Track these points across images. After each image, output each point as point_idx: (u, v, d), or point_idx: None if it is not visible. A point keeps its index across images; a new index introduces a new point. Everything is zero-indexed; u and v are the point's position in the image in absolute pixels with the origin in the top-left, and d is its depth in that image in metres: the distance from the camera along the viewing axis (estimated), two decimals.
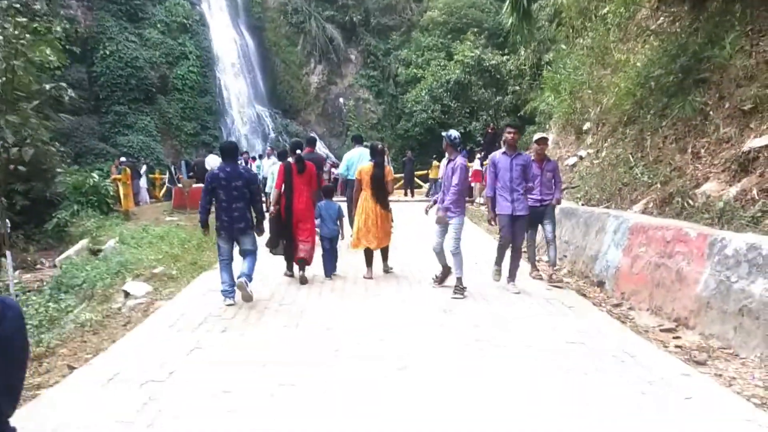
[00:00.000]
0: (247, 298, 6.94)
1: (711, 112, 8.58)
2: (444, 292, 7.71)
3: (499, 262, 8.08)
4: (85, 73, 32.66)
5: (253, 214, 7.12)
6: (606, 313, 6.33)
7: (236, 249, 7.15)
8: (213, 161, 20.18)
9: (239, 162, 8.18)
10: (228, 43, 39.31)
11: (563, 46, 21.80)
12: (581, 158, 14.14)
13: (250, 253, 7.10)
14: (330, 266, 8.66)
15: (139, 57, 33.79)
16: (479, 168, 19.57)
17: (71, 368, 5.01)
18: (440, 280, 8.20)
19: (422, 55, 40.24)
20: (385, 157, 9.18)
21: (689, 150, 8.56)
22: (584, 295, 7.14)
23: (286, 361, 5.03)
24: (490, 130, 28.37)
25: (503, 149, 8.05)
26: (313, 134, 39.67)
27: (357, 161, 10.81)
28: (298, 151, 8.81)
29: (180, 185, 16.71)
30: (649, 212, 8.28)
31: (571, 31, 22.10)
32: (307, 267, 8.43)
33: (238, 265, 7.10)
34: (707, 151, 8.24)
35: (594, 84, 14.73)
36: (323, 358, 5.07)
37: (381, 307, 7.00)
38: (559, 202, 8.49)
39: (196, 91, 36.25)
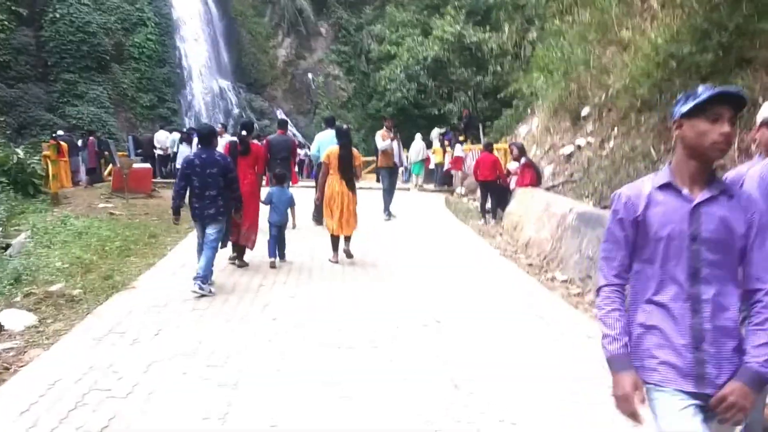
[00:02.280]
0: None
1: (761, 98, 7.01)
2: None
3: None
4: (32, 38, 30.15)
5: (222, 202, 6.82)
6: None
7: None
8: (162, 137, 18.21)
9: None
10: (190, 10, 36.82)
11: (557, 22, 20.12)
12: (579, 148, 12.58)
13: (210, 245, 6.77)
14: (273, 251, 8.20)
15: (93, 22, 31.26)
16: (460, 155, 17.87)
17: None
18: None
19: (396, 31, 38.23)
20: None
21: (734, 144, 6.99)
22: None
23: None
24: (465, 113, 26.69)
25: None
26: (280, 112, 37.74)
27: (330, 144, 9.97)
28: (244, 132, 8.46)
29: (119, 165, 14.66)
30: None
31: (561, 6, 20.58)
32: (248, 250, 8.20)
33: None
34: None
35: (595, 64, 13.12)
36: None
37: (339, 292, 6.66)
38: None
39: (154, 60, 33.80)
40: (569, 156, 13.04)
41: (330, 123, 11.61)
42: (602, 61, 13.32)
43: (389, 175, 12.70)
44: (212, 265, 6.77)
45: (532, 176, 11.19)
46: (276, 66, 39.93)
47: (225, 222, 6.94)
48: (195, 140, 12.81)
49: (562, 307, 6.12)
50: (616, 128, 10.65)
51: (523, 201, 10.58)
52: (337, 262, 8.33)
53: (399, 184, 22.18)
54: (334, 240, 8.43)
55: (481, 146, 21.47)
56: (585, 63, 14.02)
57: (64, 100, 30.09)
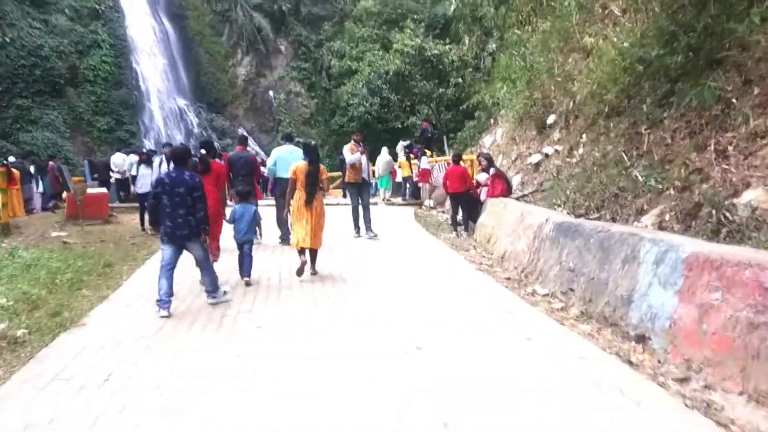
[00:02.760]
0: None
1: (735, 100, 6.84)
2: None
3: None
4: None
5: (194, 222, 6.81)
6: (676, 397, 4.06)
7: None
8: (118, 160, 17.57)
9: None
10: (146, 31, 36.14)
11: (516, 31, 20.07)
12: (547, 156, 12.40)
13: (203, 266, 7.02)
14: (248, 269, 8.17)
15: (45, 45, 30.45)
16: (427, 167, 17.60)
17: None
18: None
19: (356, 47, 38.16)
20: None
21: (710, 147, 6.80)
22: (629, 362, 4.75)
23: None
24: (424, 125, 26.49)
25: None
26: (242, 130, 37.18)
27: (289, 159, 10.32)
28: (202, 151, 8.44)
29: (72, 191, 14.00)
30: (667, 226, 6.47)
31: (520, 16, 20.56)
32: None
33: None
34: (737, 149, 6.49)
35: (559, 72, 12.99)
36: None
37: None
38: None
39: (110, 83, 33.00)
40: (537, 165, 12.85)
41: (288, 138, 11.71)
42: (566, 68, 13.20)
43: (358, 191, 12.04)
44: (216, 277, 7.06)
45: (503, 186, 10.93)
46: (236, 85, 39.41)
47: (201, 240, 6.93)
48: (157, 161, 12.31)
49: (547, 324, 5.75)
50: (584, 135, 10.47)
51: (495, 212, 10.28)
52: (306, 261, 8.26)
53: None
54: (300, 252, 8.29)
55: (446, 158, 21.38)
56: (548, 71, 13.91)
57: (18, 126, 29.14)
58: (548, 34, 14.99)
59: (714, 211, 5.96)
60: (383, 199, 18.88)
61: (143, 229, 12.73)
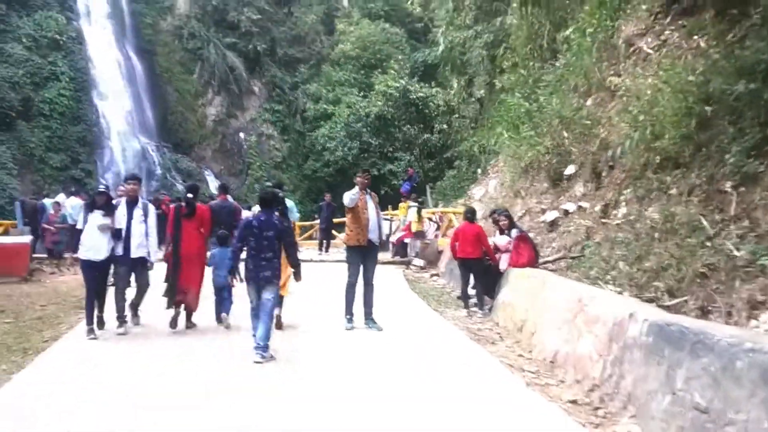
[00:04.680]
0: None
1: None
2: None
3: None
4: None
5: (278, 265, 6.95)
6: None
7: None
8: (69, 202, 14.99)
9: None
10: (110, 65, 33.94)
11: (516, 74, 18.47)
12: (567, 213, 10.42)
13: (269, 312, 6.84)
14: (227, 310, 8.39)
15: None
16: (414, 219, 15.44)
17: None
18: None
19: (333, 90, 36.64)
20: None
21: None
22: None
23: None
24: (410, 172, 24.58)
25: None
26: (211, 176, 34.88)
27: None
28: (189, 195, 8.66)
29: None
30: None
31: (516, 58, 18.94)
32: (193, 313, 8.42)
33: None
34: None
35: (577, 115, 11.13)
36: None
37: None
38: None
39: (68, 118, 30.51)
40: (553, 223, 10.86)
41: (277, 188, 9.32)
42: (584, 111, 11.37)
43: (362, 258, 8.39)
44: (270, 331, 6.80)
45: (530, 253, 8.61)
46: (205, 125, 37.24)
47: (278, 286, 7.09)
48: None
49: None
50: (625, 191, 8.49)
51: (527, 290, 7.86)
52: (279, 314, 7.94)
53: (337, 253, 19.24)
54: None
55: (434, 210, 19.27)
56: (561, 114, 12.09)
57: None
58: (564, 74, 13.23)
59: None
60: None
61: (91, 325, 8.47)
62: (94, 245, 7.75)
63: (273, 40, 39.79)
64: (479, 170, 22.69)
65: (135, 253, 7.99)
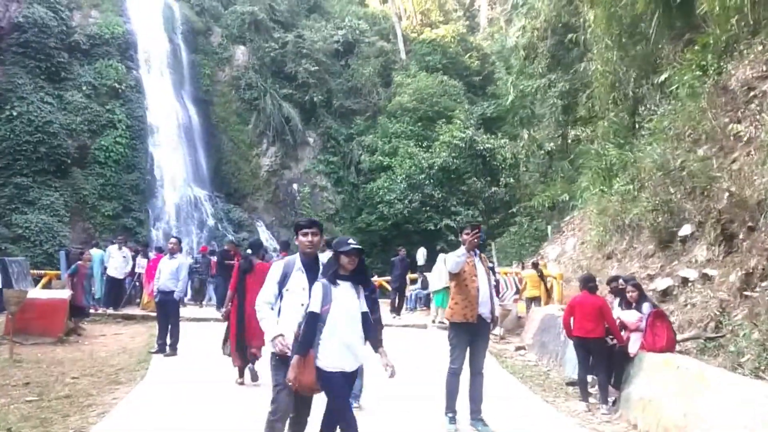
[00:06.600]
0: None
1: None
2: None
3: None
4: None
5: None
6: None
7: None
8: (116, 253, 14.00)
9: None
10: (167, 114, 33.75)
11: (583, 128, 17.05)
12: (686, 282, 8.76)
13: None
14: None
15: (55, 122, 28.01)
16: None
17: None
18: None
19: (389, 142, 35.75)
20: None
21: None
22: None
23: None
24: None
25: None
26: (263, 228, 34.09)
27: None
28: (249, 251, 9.03)
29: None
30: None
31: (593, 108, 17.57)
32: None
33: None
34: None
35: (695, 167, 9.58)
36: None
37: None
38: None
39: (122, 165, 30.20)
40: (666, 292, 9.19)
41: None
42: (697, 163, 9.82)
43: (470, 338, 6.75)
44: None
45: (668, 334, 6.92)
46: (259, 175, 36.67)
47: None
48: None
49: None
50: None
51: (676, 382, 6.15)
52: None
53: (409, 316, 17.69)
54: None
55: (508, 270, 17.55)
56: (664, 167, 10.58)
57: (12, 207, 26.22)
58: (660, 122, 11.76)
59: None
60: (433, 321, 14.71)
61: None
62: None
63: (329, 92, 39.39)
64: (549, 227, 21.11)
65: None
